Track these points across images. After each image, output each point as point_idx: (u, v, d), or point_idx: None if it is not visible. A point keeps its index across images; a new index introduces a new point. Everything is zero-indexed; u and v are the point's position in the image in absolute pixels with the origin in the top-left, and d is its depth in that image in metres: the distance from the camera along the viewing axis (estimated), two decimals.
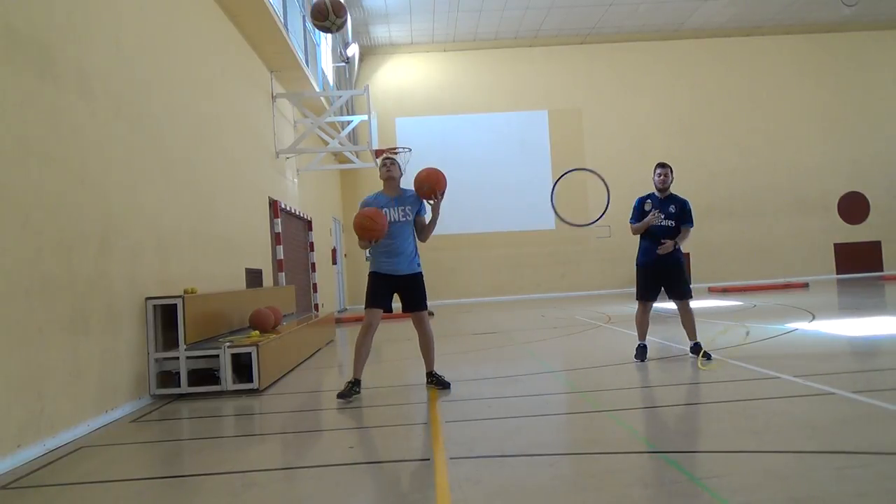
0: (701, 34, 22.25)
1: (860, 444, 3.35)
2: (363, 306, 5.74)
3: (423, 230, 5.63)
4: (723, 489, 2.77)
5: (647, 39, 22.17)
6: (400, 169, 5.62)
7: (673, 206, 6.46)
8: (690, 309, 6.39)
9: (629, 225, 6.63)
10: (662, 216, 6.41)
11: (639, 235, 6.56)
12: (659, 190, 6.52)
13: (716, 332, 7.82)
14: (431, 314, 15.29)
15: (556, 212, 6.43)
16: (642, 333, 6.51)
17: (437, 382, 5.54)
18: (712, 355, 6.18)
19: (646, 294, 6.47)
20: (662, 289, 6.48)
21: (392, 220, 5.42)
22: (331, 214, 18.63)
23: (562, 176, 5.95)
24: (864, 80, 22.60)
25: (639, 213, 6.54)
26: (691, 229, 6.52)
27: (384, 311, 5.51)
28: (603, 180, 6.91)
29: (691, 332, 6.36)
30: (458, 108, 22.03)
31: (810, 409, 4.21)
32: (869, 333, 7.55)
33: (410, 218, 5.53)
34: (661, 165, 6.59)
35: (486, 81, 22.16)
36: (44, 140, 4.51)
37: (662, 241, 6.33)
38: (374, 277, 5.54)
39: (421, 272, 5.64)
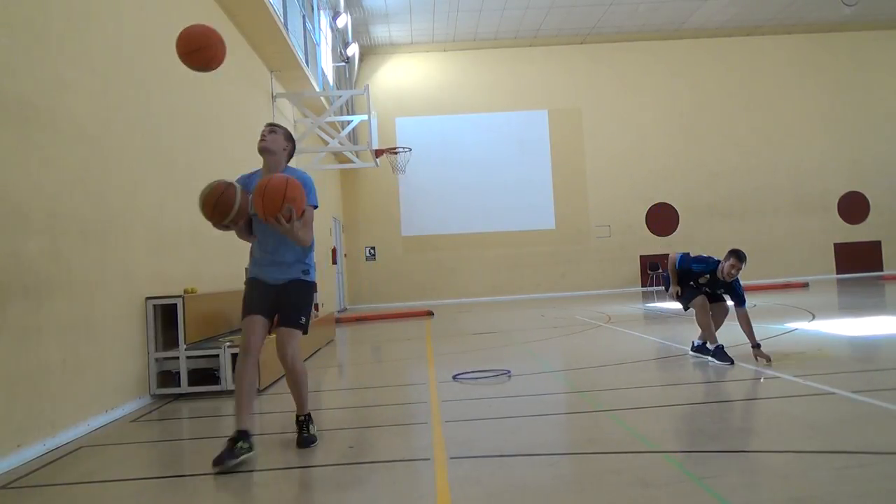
0: (701, 34, 22.25)
1: (860, 444, 3.35)
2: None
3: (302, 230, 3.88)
4: (723, 489, 2.77)
5: (647, 39, 22.16)
6: (286, 140, 4.12)
7: (723, 290, 6.43)
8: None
9: (670, 261, 6.56)
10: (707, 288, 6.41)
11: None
12: (725, 277, 6.32)
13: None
14: (431, 314, 15.41)
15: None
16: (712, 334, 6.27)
17: (299, 436, 4.07)
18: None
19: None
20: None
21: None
22: (331, 214, 18.63)
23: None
24: (864, 80, 22.60)
25: (687, 273, 6.42)
26: (745, 309, 6.25)
27: (267, 318, 4.05)
28: None
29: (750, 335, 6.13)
30: (458, 108, 22.03)
31: (810, 409, 4.21)
32: (869, 333, 7.54)
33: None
34: (738, 258, 6.32)
35: (486, 81, 22.16)
36: (44, 140, 4.51)
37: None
38: (250, 282, 4.20)
39: (304, 280, 4.11)
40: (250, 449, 3.69)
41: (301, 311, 4.05)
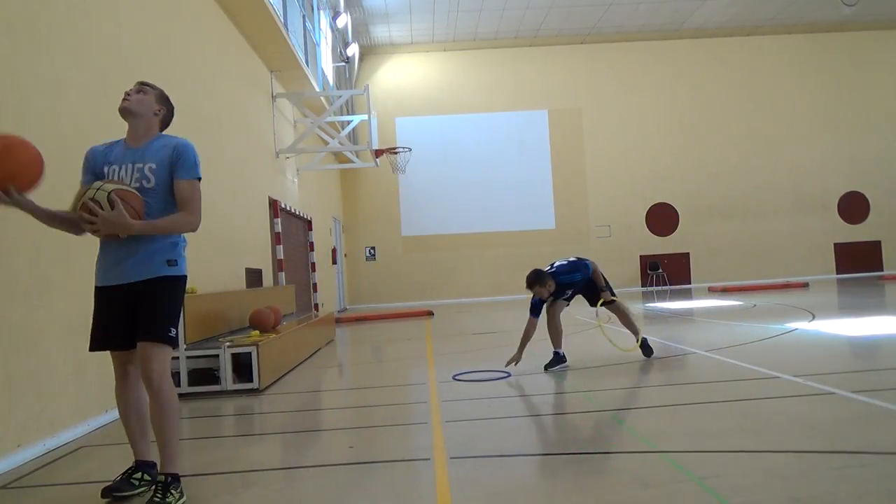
0: (701, 34, 22.26)
1: (860, 444, 3.35)
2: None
3: (180, 205, 3.15)
4: (723, 489, 2.77)
5: (647, 39, 22.17)
6: (159, 102, 3.32)
7: (569, 291, 6.57)
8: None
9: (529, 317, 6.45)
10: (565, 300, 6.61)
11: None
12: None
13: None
14: (431, 314, 15.41)
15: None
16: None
17: (150, 498, 2.94)
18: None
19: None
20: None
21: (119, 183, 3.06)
22: (331, 214, 18.63)
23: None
24: (864, 80, 22.60)
25: (538, 308, 6.41)
26: (597, 268, 6.65)
27: (125, 349, 3.14)
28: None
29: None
30: (458, 108, 22.04)
31: (810, 409, 4.21)
32: (869, 333, 7.54)
33: (153, 184, 3.12)
34: (530, 286, 6.36)
35: (486, 81, 22.17)
36: (42, 140, 4.51)
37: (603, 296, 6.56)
38: (97, 296, 3.18)
39: (170, 276, 3.14)
40: (152, 481, 3.10)
41: (168, 319, 3.07)
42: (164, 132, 3.34)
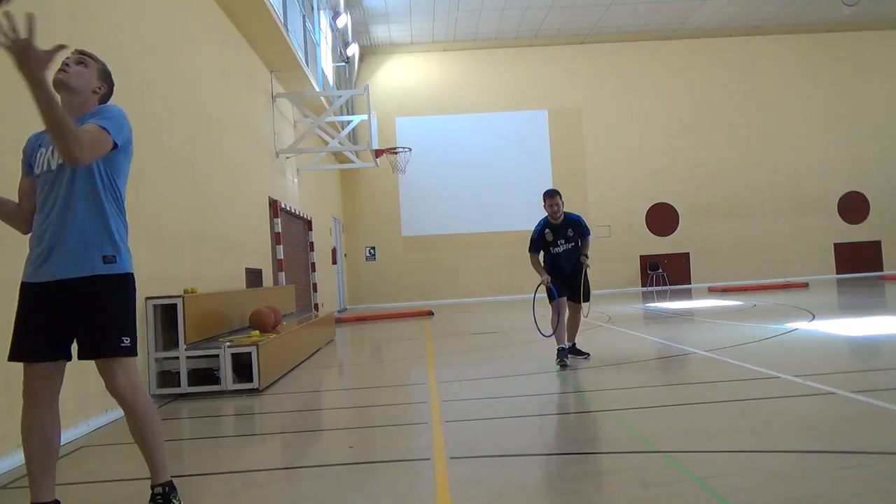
0: (701, 34, 22.26)
1: (860, 444, 3.35)
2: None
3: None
4: (723, 489, 2.77)
5: (647, 39, 22.16)
6: (100, 79, 2.95)
7: (570, 230, 6.64)
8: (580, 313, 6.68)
9: (529, 255, 6.73)
10: (562, 241, 6.62)
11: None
12: (553, 218, 6.64)
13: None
14: (431, 314, 15.41)
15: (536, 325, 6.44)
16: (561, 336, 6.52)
17: None
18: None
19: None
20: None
21: (44, 168, 2.71)
22: (331, 214, 18.63)
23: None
24: (864, 80, 22.60)
25: (538, 243, 6.66)
26: (590, 237, 6.77)
27: (59, 359, 2.74)
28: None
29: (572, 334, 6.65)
30: (458, 108, 22.04)
31: (810, 409, 4.21)
32: (869, 333, 7.54)
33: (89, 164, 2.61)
34: (550, 195, 6.70)
35: (486, 81, 22.16)
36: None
37: (581, 259, 6.65)
38: (21, 294, 2.75)
39: (112, 275, 2.67)
40: None
41: (119, 328, 2.66)
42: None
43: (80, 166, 2.58)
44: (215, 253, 8.02)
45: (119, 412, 5.19)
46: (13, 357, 2.68)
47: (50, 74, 2.47)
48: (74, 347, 2.75)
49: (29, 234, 2.79)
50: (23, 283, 2.75)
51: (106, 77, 2.99)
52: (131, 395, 2.72)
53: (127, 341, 2.69)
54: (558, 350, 6.34)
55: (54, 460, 2.70)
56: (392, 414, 5.02)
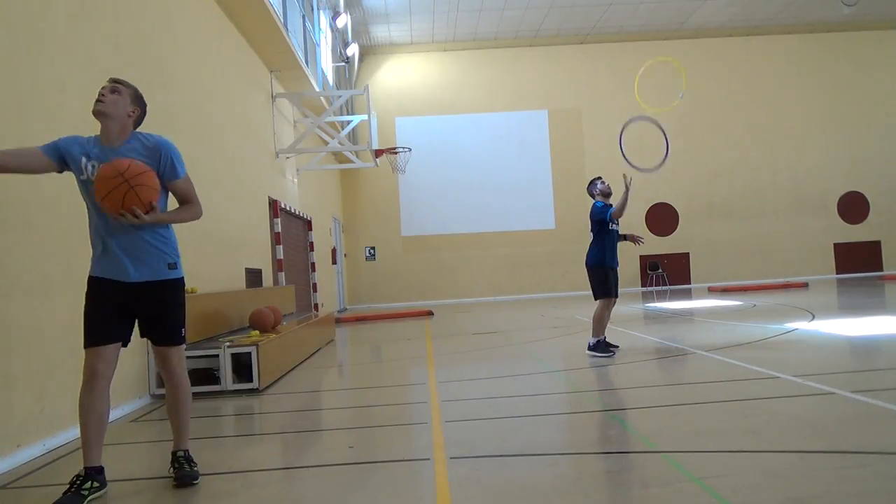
0: (701, 34, 22.25)
1: (860, 444, 3.35)
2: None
3: (183, 200, 3.39)
4: (723, 489, 2.77)
5: (647, 39, 22.16)
6: (133, 103, 3.30)
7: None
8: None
9: (606, 221, 7.13)
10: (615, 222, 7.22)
11: (599, 238, 7.20)
12: (607, 195, 7.31)
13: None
14: (431, 314, 15.41)
15: (625, 157, 7.45)
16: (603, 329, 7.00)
17: (180, 471, 3.38)
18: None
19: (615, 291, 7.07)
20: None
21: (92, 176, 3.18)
22: (331, 214, 18.63)
23: (626, 125, 7.15)
24: (864, 80, 22.60)
25: (607, 212, 7.11)
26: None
27: (121, 345, 3.27)
28: (662, 130, 7.49)
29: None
30: (458, 108, 22.03)
31: (810, 409, 4.21)
32: (869, 333, 7.54)
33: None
34: (601, 179, 7.52)
35: (486, 81, 22.16)
36: (43, 140, 4.51)
37: (636, 240, 7.39)
38: (91, 287, 3.25)
39: (174, 279, 3.34)
40: (101, 487, 3.18)
41: (181, 322, 3.38)
42: (138, 130, 3.36)
43: None
44: (215, 253, 8.02)
45: (118, 412, 5.20)
46: (92, 343, 3.19)
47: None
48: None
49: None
50: (95, 277, 3.24)
51: (138, 100, 3.35)
52: (180, 376, 3.44)
53: (183, 332, 3.41)
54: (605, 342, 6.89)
55: (104, 429, 3.26)
56: (392, 414, 5.02)
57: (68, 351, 4.58)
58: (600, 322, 6.93)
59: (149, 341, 3.40)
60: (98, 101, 3.19)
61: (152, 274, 3.23)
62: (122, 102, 3.24)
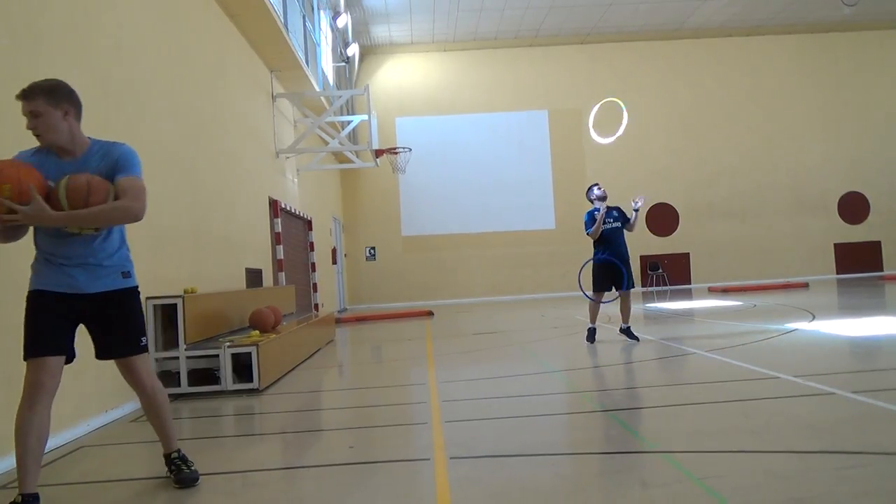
0: (701, 34, 22.25)
1: (860, 444, 3.35)
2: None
3: (120, 195, 3.03)
4: (723, 489, 2.77)
5: (647, 39, 22.16)
6: (56, 108, 2.95)
7: (615, 211, 8.04)
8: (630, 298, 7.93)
9: (587, 234, 7.94)
10: (610, 220, 7.93)
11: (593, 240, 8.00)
12: (602, 199, 7.98)
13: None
14: (431, 314, 15.41)
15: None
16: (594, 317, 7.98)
17: (179, 474, 3.33)
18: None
19: (603, 285, 7.89)
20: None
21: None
22: (331, 214, 18.63)
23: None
24: (864, 80, 22.60)
25: (591, 222, 7.90)
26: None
27: (65, 360, 3.04)
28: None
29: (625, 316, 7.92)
30: (458, 108, 22.03)
31: (810, 409, 4.21)
32: (869, 333, 7.54)
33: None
34: (598, 185, 8.26)
35: (486, 81, 22.16)
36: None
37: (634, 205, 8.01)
38: (35, 300, 3.05)
39: (130, 287, 3.20)
40: None
41: (140, 330, 3.23)
42: (95, 138, 3.14)
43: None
44: (215, 253, 8.02)
45: (117, 412, 5.20)
46: (32, 354, 2.99)
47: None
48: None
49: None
50: (39, 292, 3.05)
51: (60, 97, 2.98)
52: (151, 384, 3.29)
53: (144, 341, 3.26)
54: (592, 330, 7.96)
55: (42, 450, 2.96)
56: (392, 414, 5.02)
57: None
58: (590, 310, 8.01)
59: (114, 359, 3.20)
60: (35, 135, 2.97)
61: (106, 284, 3.07)
62: (49, 119, 2.93)
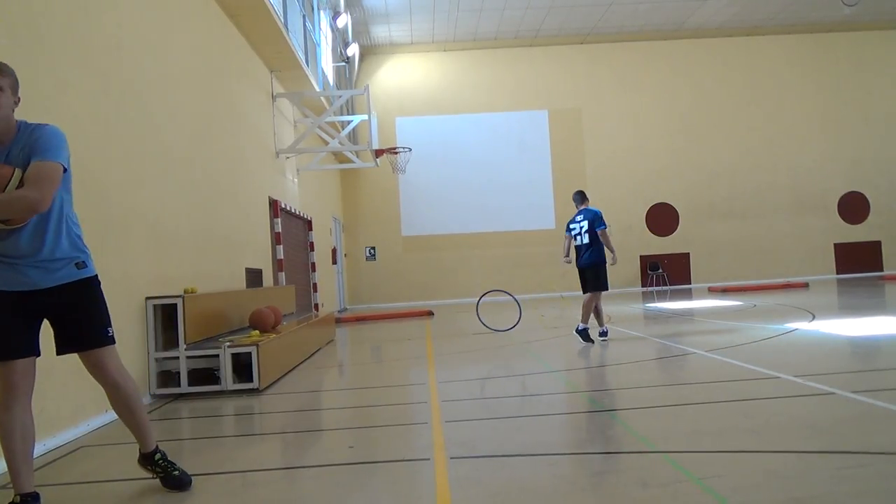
0: (701, 34, 22.25)
1: (860, 444, 3.35)
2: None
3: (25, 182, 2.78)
4: (723, 489, 2.77)
5: (647, 39, 22.16)
6: (17, 89, 2.95)
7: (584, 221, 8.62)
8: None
9: (605, 232, 8.62)
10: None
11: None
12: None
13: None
14: (431, 314, 15.39)
15: (480, 320, 9.76)
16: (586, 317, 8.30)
17: (168, 479, 3.28)
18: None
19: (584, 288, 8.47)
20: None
21: None
22: (331, 214, 18.63)
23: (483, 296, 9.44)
24: (864, 80, 22.60)
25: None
26: (605, 230, 8.54)
27: (33, 356, 2.96)
28: (516, 301, 9.94)
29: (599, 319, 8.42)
30: (458, 108, 22.03)
31: (810, 409, 4.21)
32: (869, 333, 7.54)
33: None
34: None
35: (486, 81, 22.16)
36: None
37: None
38: None
39: (87, 278, 3.03)
40: None
41: (104, 321, 3.06)
42: (26, 121, 2.95)
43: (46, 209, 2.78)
44: (215, 253, 8.02)
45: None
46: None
47: None
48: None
49: None
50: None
51: (17, 88, 2.94)
52: (118, 377, 3.10)
53: (110, 331, 3.09)
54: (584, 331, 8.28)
55: (31, 450, 2.94)
56: (392, 414, 5.02)
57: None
58: (582, 310, 8.43)
59: (78, 353, 3.07)
60: None
61: (61, 277, 2.91)
62: (6, 100, 2.84)
